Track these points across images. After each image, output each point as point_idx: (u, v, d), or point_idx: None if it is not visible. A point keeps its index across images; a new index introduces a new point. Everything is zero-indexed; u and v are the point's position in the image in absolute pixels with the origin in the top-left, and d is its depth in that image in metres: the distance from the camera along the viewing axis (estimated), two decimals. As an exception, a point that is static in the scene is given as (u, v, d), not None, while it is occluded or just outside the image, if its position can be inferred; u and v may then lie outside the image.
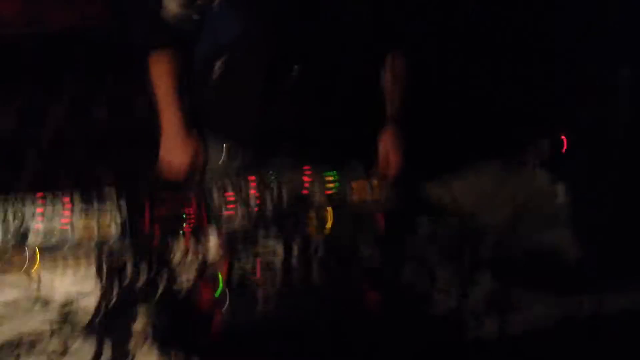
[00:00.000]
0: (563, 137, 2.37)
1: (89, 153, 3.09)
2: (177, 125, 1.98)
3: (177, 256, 1.77)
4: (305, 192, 1.94)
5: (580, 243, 2.04)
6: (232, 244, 1.78)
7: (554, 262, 1.92)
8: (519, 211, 2.01)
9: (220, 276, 1.75)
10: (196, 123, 2.04)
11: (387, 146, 2.15)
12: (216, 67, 2.06)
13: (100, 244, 1.73)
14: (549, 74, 2.62)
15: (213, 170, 2.03)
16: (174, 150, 1.99)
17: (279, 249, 1.78)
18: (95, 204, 1.82)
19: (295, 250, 1.77)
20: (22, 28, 2.81)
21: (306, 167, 2.03)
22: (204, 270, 1.75)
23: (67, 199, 1.86)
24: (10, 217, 1.75)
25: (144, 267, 1.75)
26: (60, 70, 2.82)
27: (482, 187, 2.07)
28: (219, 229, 1.79)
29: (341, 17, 2.08)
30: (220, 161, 2.02)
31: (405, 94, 2.22)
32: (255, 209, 1.84)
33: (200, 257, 1.77)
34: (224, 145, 2.04)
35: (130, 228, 1.76)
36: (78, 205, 1.82)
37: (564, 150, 2.34)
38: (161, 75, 2.01)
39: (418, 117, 2.22)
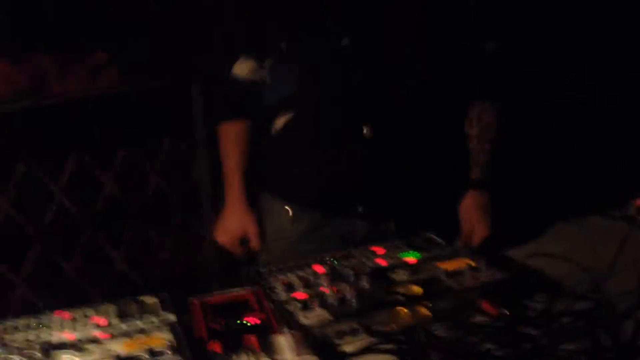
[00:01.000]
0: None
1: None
2: (237, 195, 2.01)
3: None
4: (387, 275, 1.67)
5: None
6: (311, 344, 1.43)
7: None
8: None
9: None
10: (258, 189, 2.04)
11: (473, 214, 1.93)
12: (279, 123, 1.95)
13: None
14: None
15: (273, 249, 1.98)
16: (231, 219, 2.01)
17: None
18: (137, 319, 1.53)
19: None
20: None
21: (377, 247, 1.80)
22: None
23: (100, 319, 1.56)
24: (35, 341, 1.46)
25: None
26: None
27: (602, 251, 1.70)
28: (292, 330, 1.45)
29: (413, 73, 1.87)
30: (288, 225, 1.97)
31: (495, 151, 1.98)
32: (333, 299, 1.56)
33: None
34: (288, 209, 1.98)
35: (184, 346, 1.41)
36: (115, 323, 1.52)
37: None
38: (229, 146, 2.03)
39: (509, 174, 1.94)
